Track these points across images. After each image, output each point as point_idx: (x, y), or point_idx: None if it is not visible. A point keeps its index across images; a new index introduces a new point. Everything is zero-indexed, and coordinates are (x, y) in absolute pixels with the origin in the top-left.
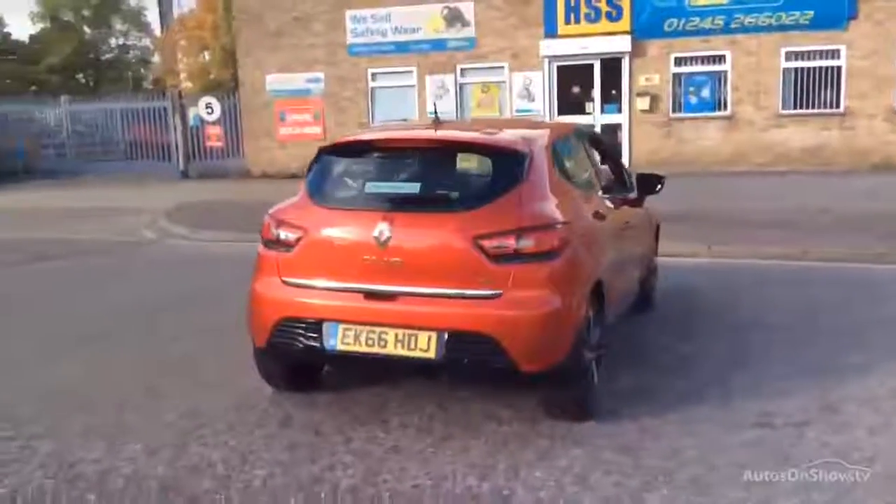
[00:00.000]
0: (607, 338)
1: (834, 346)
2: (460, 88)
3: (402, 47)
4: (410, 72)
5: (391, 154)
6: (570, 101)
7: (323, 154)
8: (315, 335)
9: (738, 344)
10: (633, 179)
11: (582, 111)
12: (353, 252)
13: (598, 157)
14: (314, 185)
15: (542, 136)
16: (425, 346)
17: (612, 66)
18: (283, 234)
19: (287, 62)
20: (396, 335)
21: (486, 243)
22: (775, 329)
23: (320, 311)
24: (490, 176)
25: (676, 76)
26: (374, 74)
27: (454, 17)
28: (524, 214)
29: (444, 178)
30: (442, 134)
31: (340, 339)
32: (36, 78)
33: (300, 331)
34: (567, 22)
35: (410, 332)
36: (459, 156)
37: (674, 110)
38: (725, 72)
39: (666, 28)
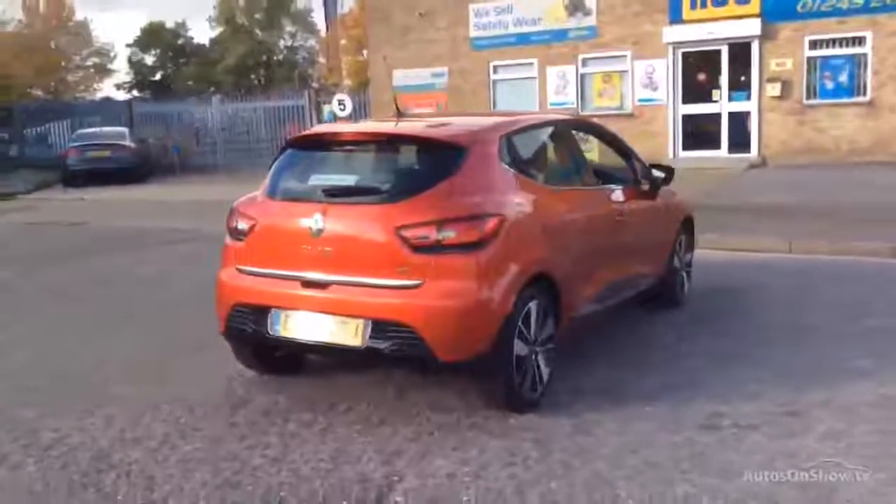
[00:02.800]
0: (576, 331)
1: (846, 348)
2: (581, 79)
3: (523, 39)
4: (531, 64)
5: (339, 147)
6: (695, 89)
7: (286, 148)
8: (262, 321)
9: (741, 345)
10: (646, 171)
11: (708, 99)
12: (293, 241)
13: (593, 149)
14: (271, 178)
15: (490, 130)
16: (353, 333)
17: (740, 51)
18: (239, 224)
19: (413, 57)
20: (329, 323)
21: (408, 233)
22: (795, 330)
23: (266, 298)
24: (424, 168)
25: (811, 60)
26: (495, 67)
27: (576, 6)
28: (448, 206)
29: (382, 171)
30: (381, 127)
31: (283, 326)
32: (213, 79)
33: (249, 317)
34: (693, 7)
35: (341, 319)
36: (399, 148)
37: (807, 97)
38: (865, 54)
39: (799, 9)
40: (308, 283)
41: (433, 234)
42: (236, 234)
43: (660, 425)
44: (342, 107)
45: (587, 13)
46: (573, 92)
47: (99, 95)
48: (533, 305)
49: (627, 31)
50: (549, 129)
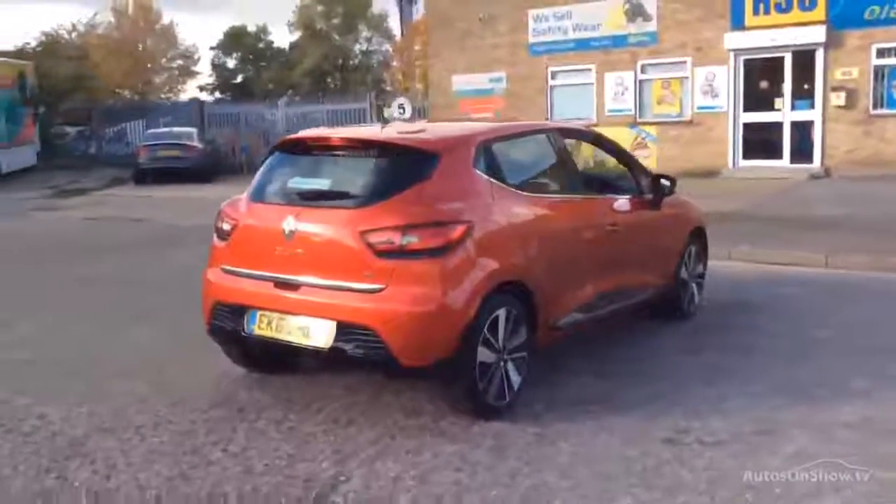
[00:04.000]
0: (562, 340)
1: (848, 367)
2: (640, 85)
3: (581, 44)
4: (589, 69)
5: (320, 152)
6: (757, 97)
7: (273, 151)
8: (239, 320)
9: (738, 359)
10: (649, 181)
11: (770, 107)
12: (268, 243)
13: (585, 158)
14: (256, 181)
15: (466, 137)
16: (319, 335)
17: (804, 58)
18: (223, 225)
19: (472, 63)
20: (298, 323)
21: (373, 238)
22: (801, 346)
23: (243, 298)
24: (395, 174)
25: (878, 69)
26: (553, 73)
27: (636, 12)
28: (413, 212)
29: (355, 176)
30: (358, 133)
31: (257, 325)
32: (291, 82)
33: (229, 315)
34: (755, 13)
35: (309, 320)
36: (374, 154)
37: (874, 106)
38: None
39: (866, 16)
40: (281, 284)
41: (396, 240)
42: (221, 234)
43: (624, 438)
44: (402, 110)
45: (647, 19)
46: (631, 98)
47: (183, 97)
48: (501, 313)
49: (688, 38)
50: (536, 138)
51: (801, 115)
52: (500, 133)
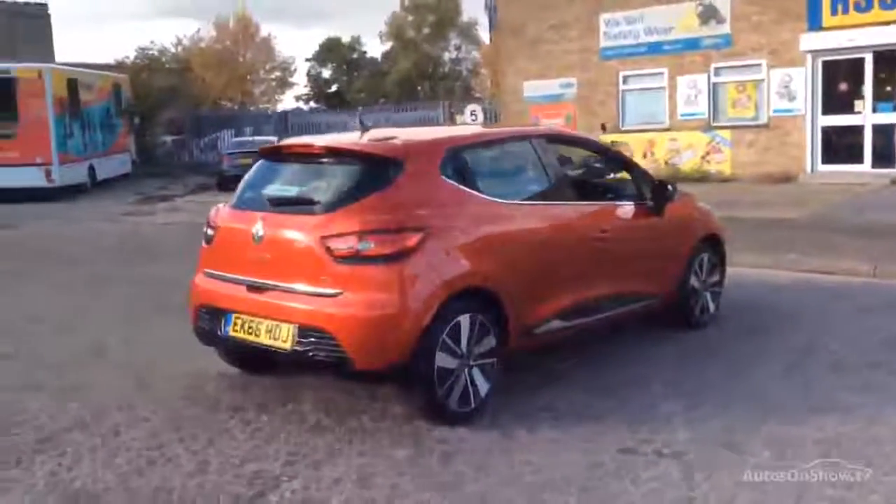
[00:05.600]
0: (543, 347)
1: (847, 381)
2: (714, 88)
3: (653, 48)
4: (661, 73)
5: (296, 159)
6: (835, 100)
7: (258, 159)
8: (217, 321)
9: (733, 371)
10: (652, 187)
11: (850, 110)
12: (241, 247)
13: (572, 163)
14: (239, 187)
15: (433, 144)
16: (285, 337)
17: (886, 59)
18: (208, 230)
19: (543, 69)
20: (266, 326)
21: (331, 243)
22: (806, 359)
23: (220, 300)
24: (359, 180)
25: None
26: (624, 77)
27: (709, 14)
28: (370, 218)
29: (322, 182)
30: (329, 141)
31: (232, 327)
32: (382, 90)
33: (208, 317)
34: (833, 13)
35: (276, 323)
36: (342, 161)
37: None
38: None
39: None
40: (252, 288)
41: (353, 245)
42: (206, 239)
43: (582, 447)
44: (474, 117)
45: (721, 21)
46: (704, 102)
47: (280, 107)
48: (464, 319)
49: (763, 39)
50: (516, 144)
51: (884, 118)
52: (473, 139)
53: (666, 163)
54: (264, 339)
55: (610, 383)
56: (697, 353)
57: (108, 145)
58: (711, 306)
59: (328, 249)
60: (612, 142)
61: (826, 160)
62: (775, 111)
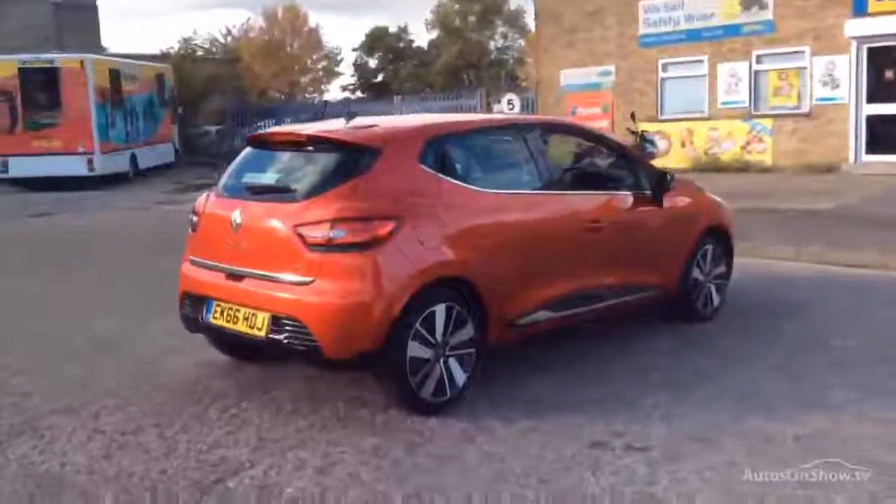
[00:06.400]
0: (515, 336)
1: (840, 377)
2: (755, 76)
3: (693, 35)
4: (701, 61)
5: (279, 147)
6: (881, 88)
7: (246, 146)
8: (200, 309)
9: (726, 365)
10: (651, 176)
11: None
12: (221, 235)
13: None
14: (225, 175)
15: (412, 132)
16: (260, 325)
17: None
18: (193, 217)
19: (580, 57)
20: (244, 313)
21: (304, 231)
22: (803, 353)
23: (202, 288)
24: (335, 168)
25: None
26: (664, 65)
27: (751, 0)
28: (343, 206)
29: (301, 170)
30: (310, 129)
31: (212, 314)
32: (428, 79)
33: (191, 304)
34: None
35: (252, 311)
36: (321, 149)
37: None
38: None
39: None
40: (231, 276)
41: (325, 234)
42: (192, 226)
43: (552, 439)
44: (511, 106)
45: (763, 7)
46: (745, 90)
47: (327, 97)
48: (439, 309)
49: (806, 26)
50: (501, 132)
51: None
52: (455, 128)
53: (705, 152)
54: (242, 327)
55: (600, 375)
56: (695, 346)
57: (151, 135)
58: (716, 299)
59: (301, 237)
60: (643, 131)
61: (870, 150)
62: (818, 99)
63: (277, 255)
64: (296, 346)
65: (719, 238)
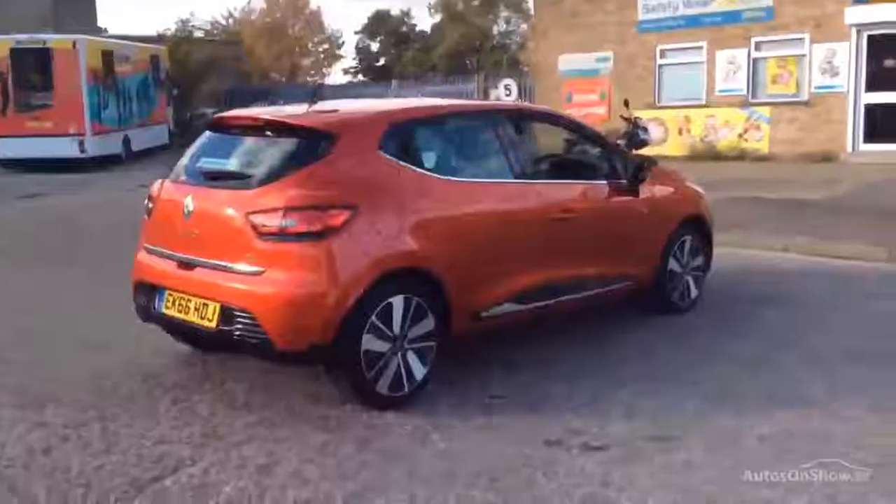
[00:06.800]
0: (479, 329)
1: (813, 374)
2: (753, 64)
3: (692, 21)
4: (700, 47)
5: (237, 132)
6: (881, 76)
7: (205, 130)
8: (152, 298)
9: (696, 361)
10: (627, 165)
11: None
12: (173, 222)
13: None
14: (180, 160)
15: (373, 118)
16: (211, 316)
17: None
18: (147, 203)
19: (579, 42)
20: (195, 304)
21: (256, 220)
22: (778, 351)
23: (154, 276)
24: (292, 154)
25: None
26: (662, 51)
27: None
28: (296, 194)
29: (256, 156)
30: (267, 113)
31: (164, 304)
32: (430, 63)
33: (144, 293)
34: None
35: (203, 301)
36: (279, 134)
37: None
38: None
39: None
40: (181, 264)
41: (277, 222)
42: (147, 212)
43: (508, 437)
44: (508, 91)
45: None
46: (744, 77)
47: (328, 80)
48: (397, 301)
49: (806, 12)
50: (469, 119)
51: None
52: (420, 114)
53: (702, 140)
54: (193, 318)
55: (565, 369)
56: (668, 340)
57: (145, 116)
58: (693, 291)
59: (253, 226)
60: (636, 118)
61: (869, 139)
62: (817, 88)
63: (229, 243)
64: (246, 338)
65: (698, 228)
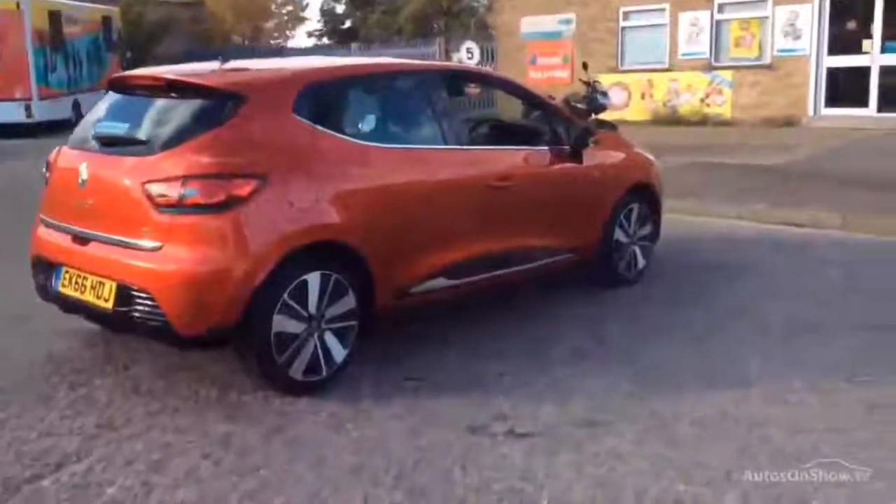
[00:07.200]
0: (410, 306)
1: (761, 351)
2: (717, 26)
3: None
4: (663, 10)
5: (137, 92)
6: (843, 39)
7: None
8: (49, 276)
9: (632, 337)
10: (569, 130)
11: (857, 50)
12: (67, 192)
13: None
14: (79, 125)
15: (286, 78)
16: (107, 295)
17: None
18: (45, 171)
19: (542, 4)
20: (91, 282)
21: (153, 189)
22: (730, 321)
23: (50, 252)
24: (195, 117)
25: None
26: (625, 14)
27: None
28: (197, 161)
29: (157, 119)
30: (169, 72)
31: (61, 282)
32: (396, 27)
33: (42, 270)
34: None
35: (99, 279)
36: (180, 95)
37: None
38: None
39: None
40: (76, 238)
41: (175, 192)
42: (46, 182)
43: (429, 425)
44: (470, 55)
45: None
46: (707, 40)
47: (291, 43)
48: (312, 277)
49: None
50: (397, 81)
51: (892, 59)
52: (339, 74)
53: (665, 105)
54: (89, 297)
55: (500, 347)
56: (611, 314)
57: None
58: (641, 261)
59: (150, 196)
60: (594, 81)
61: (830, 103)
62: (779, 51)
63: (125, 215)
64: (145, 320)
65: (646, 196)
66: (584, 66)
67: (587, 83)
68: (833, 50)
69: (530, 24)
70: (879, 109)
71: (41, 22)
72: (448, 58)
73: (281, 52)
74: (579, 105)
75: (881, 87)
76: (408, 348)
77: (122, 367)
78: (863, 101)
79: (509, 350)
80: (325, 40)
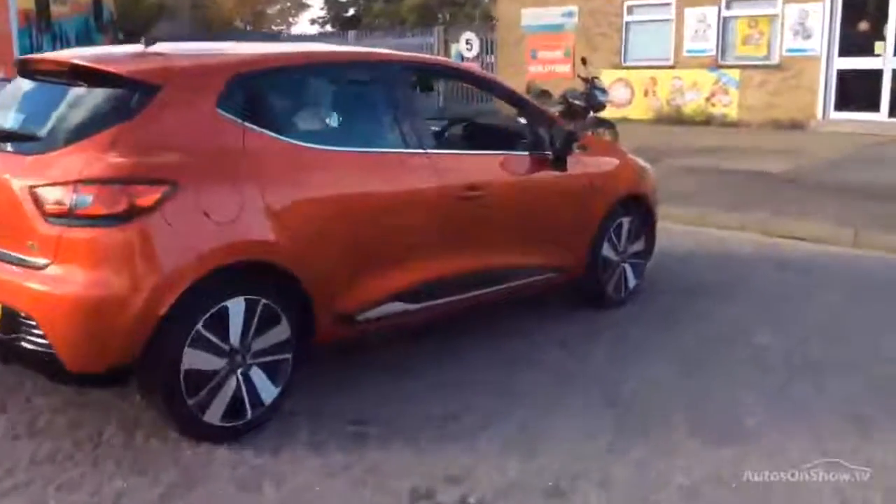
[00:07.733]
0: (357, 334)
1: (749, 393)
2: (724, 23)
3: None
4: (668, 4)
5: (39, 78)
6: (855, 40)
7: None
8: None
9: (606, 360)
10: (552, 133)
11: (869, 52)
12: None
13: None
14: None
15: (210, 67)
16: None
17: None
18: None
19: None
20: None
21: (42, 195)
22: (698, 347)
23: None
24: (100, 110)
25: None
26: (630, 7)
27: None
28: (94, 162)
29: (57, 110)
30: (75, 56)
31: None
32: (400, 15)
33: None
34: None
35: None
36: (85, 83)
37: None
38: None
39: None
40: None
41: (67, 199)
42: None
43: (365, 484)
44: (469, 46)
45: None
46: (713, 37)
47: (294, 29)
48: (234, 304)
49: None
50: (348, 72)
51: None
52: (277, 62)
53: (668, 103)
54: None
55: (461, 381)
56: (590, 340)
57: None
58: (632, 280)
59: (37, 203)
60: (593, 78)
61: (840, 107)
62: (788, 50)
63: (10, 224)
64: (32, 352)
65: (639, 209)
66: (583, 61)
67: (586, 79)
68: (844, 51)
69: (531, 16)
70: (891, 115)
71: (27, 1)
72: (447, 48)
73: (277, 37)
74: (578, 102)
75: (893, 91)
76: (358, 380)
77: (24, 400)
78: (874, 106)
79: (477, 382)
80: (329, 28)
